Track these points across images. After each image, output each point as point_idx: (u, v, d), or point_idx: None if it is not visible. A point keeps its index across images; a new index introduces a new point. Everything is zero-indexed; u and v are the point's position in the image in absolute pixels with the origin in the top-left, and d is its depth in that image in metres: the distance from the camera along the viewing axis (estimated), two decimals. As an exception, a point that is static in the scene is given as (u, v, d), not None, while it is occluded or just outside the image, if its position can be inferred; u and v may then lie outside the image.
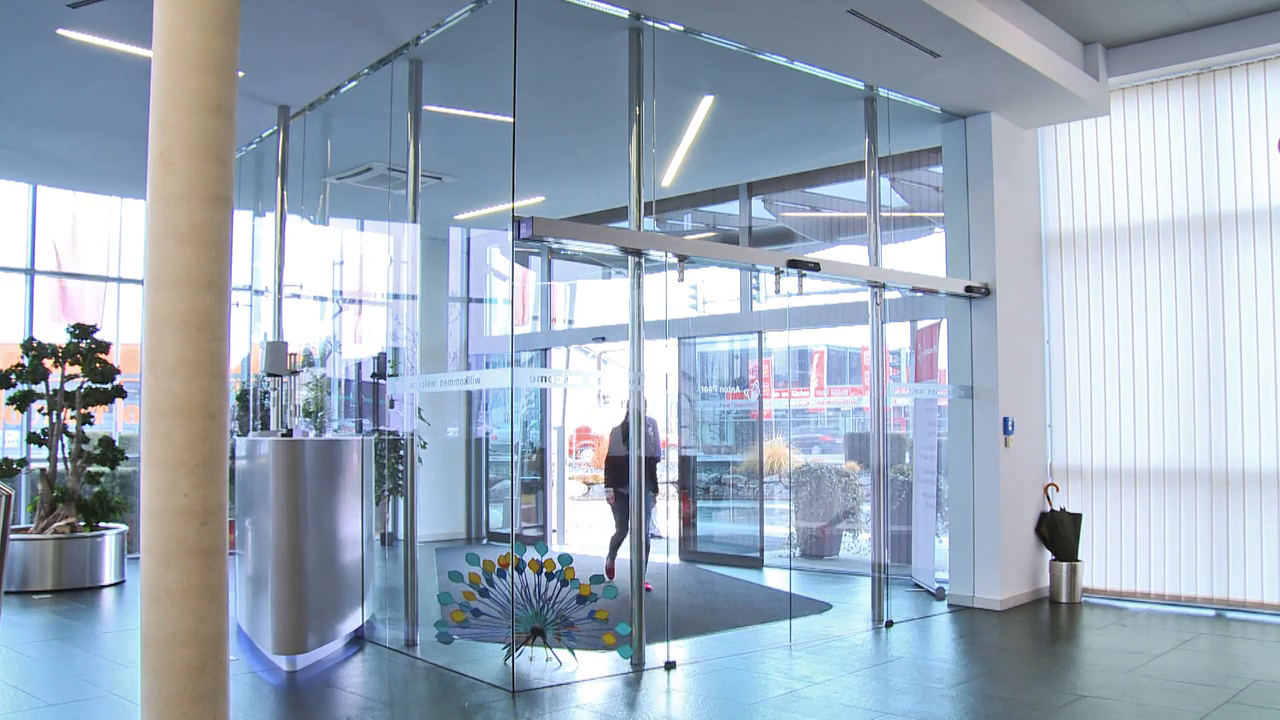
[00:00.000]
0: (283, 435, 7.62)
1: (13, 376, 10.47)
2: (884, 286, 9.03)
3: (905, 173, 11.17)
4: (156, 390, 3.93)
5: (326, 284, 10.99)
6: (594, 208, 12.70)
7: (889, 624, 8.61)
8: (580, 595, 7.13)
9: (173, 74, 4.21)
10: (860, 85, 8.78)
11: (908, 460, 11.09)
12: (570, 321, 14.64)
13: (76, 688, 6.84)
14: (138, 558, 11.15)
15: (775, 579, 11.34)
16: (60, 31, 7.37)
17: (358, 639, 7.97)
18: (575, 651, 7.17)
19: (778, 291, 8.24)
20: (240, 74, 4.34)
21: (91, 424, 10.84)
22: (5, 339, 12.38)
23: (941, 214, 10.10)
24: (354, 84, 8.46)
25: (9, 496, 3.45)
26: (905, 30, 7.44)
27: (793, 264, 8.17)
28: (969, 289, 9.26)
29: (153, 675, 4.22)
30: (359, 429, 9.58)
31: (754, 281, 12.34)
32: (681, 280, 7.50)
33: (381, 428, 9.31)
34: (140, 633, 4.28)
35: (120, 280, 13.13)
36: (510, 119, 6.98)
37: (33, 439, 10.71)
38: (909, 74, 8.40)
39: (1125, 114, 9.69)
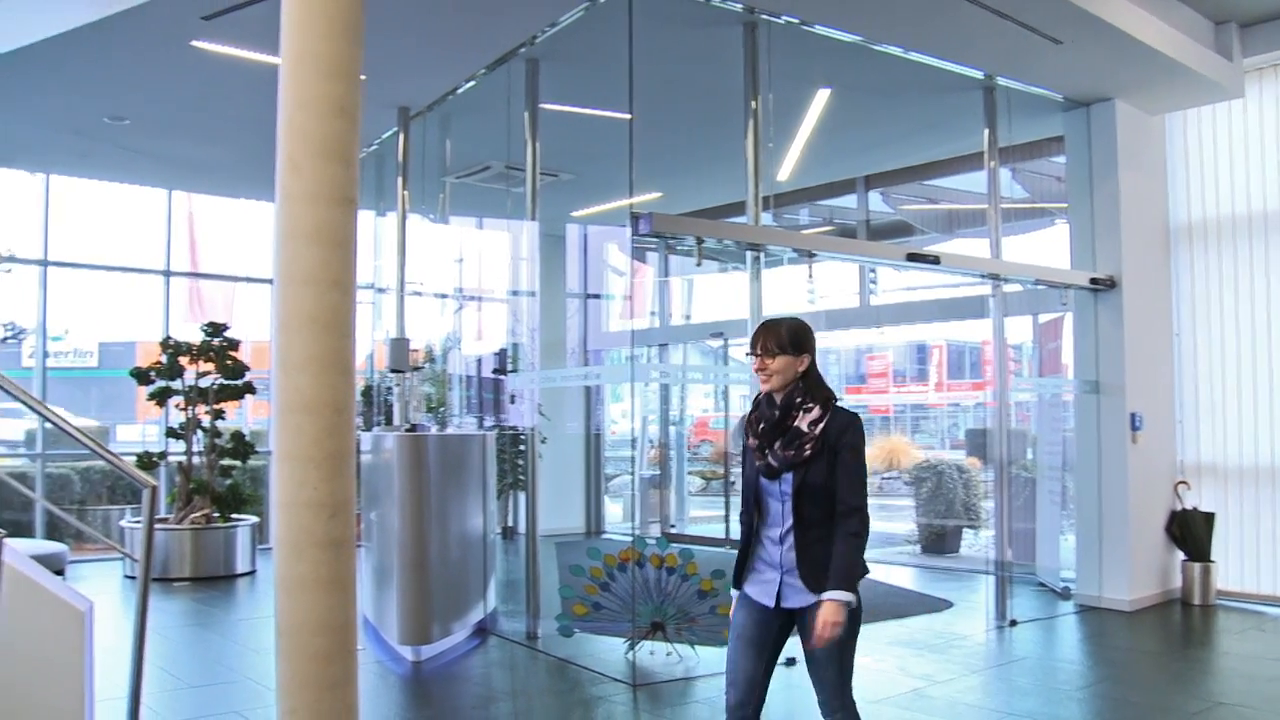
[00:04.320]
0: (407, 430, 7.78)
1: (152, 373, 10.86)
2: (1005, 280, 8.86)
3: (1026, 163, 10.93)
4: (286, 386, 4.04)
5: (447, 281, 11.19)
6: (710, 203, 12.69)
7: (1013, 623, 8.45)
8: (702, 590, 7.14)
9: (300, 79, 4.32)
10: (979, 74, 8.61)
11: (1030, 456, 10.85)
12: (688, 317, 14.65)
13: (214, 671, 7.09)
14: (268, 548, 11.49)
15: (895, 576, 11.20)
16: (194, 43, 7.63)
17: (480, 631, 8.10)
18: (696, 646, 7.18)
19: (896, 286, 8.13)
20: (363, 78, 4.44)
21: (224, 419, 11.20)
22: (146, 337, 12.87)
23: (1064, 205, 9.85)
24: (472, 84, 8.58)
25: (154, 489, 3.59)
26: (1025, 17, 7.28)
27: (912, 257, 8.07)
28: (1094, 281, 9.03)
29: (286, 662, 4.35)
30: (480, 424, 9.72)
31: (871, 275, 12.20)
32: (811, 278, 7.47)
33: (502, 423, 9.44)
34: (275, 621, 4.42)
35: (248, 280, 13.55)
36: (627, 116, 7.01)
37: (171, 433, 11.11)
38: (1029, 62, 8.22)
39: (1262, 96, 9.31)
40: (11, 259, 11.64)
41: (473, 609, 7.97)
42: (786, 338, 3.79)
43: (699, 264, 7.27)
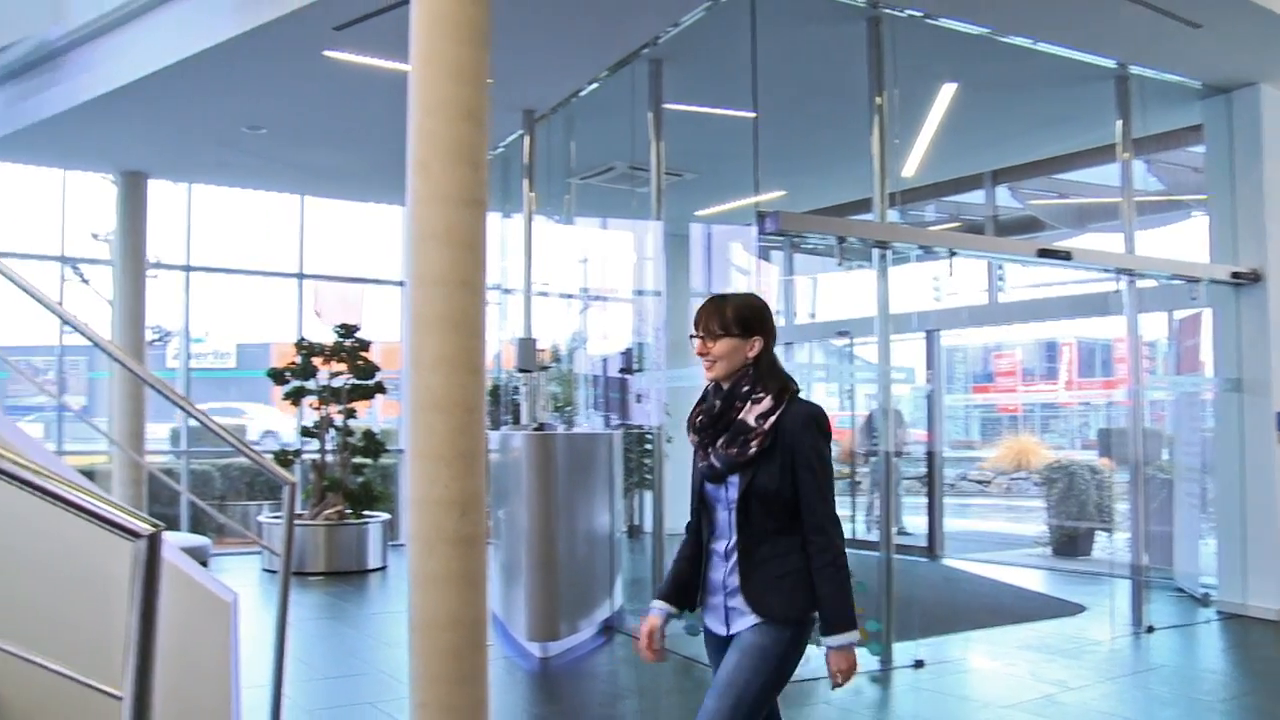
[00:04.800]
0: (535, 429, 7.87)
1: (287, 374, 11.20)
2: (1139, 275, 8.60)
3: (1161, 154, 10.59)
4: (418, 386, 4.14)
5: (572, 282, 11.29)
6: (835, 201, 12.58)
7: (1149, 629, 8.20)
8: (826, 590, 7.07)
9: (429, 84, 4.42)
10: (1111, 64, 8.38)
11: (1167, 457, 10.51)
12: (812, 315, 14.55)
13: (348, 663, 7.28)
14: (398, 545, 11.75)
15: (1026, 578, 10.96)
16: (326, 53, 7.85)
17: (607, 629, 8.16)
18: (822, 646, 7.12)
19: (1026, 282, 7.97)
20: (489, 81, 4.52)
21: (356, 418, 11.48)
22: (281, 339, 13.28)
23: (1202, 196, 9.52)
24: (595, 86, 8.65)
25: (293, 485, 3.71)
26: (1162, 1, 7.05)
27: (1043, 253, 7.89)
28: (1236, 275, 8.70)
29: (418, 656, 4.45)
30: (606, 423, 9.79)
31: (999, 272, 11.95)
32: (951, 275, 7.37)
33: (628, 422, 9.49)
34: (407, 616, 4.52)
35: (377, 282, 13.87)
36: (751, 114, 7.00)
37: (305, 432, 11.44)
38: (1165, 48, 7.96)
39: None
40: (158, 265, 12.13)
41: (599, 606, 8.04)
42: (732, 316, 3.22)
43: (841, 264, 7.21)
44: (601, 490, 8.06)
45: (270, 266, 13.30)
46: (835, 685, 3.08)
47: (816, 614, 3.12)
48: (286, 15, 7.15)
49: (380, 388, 11.53)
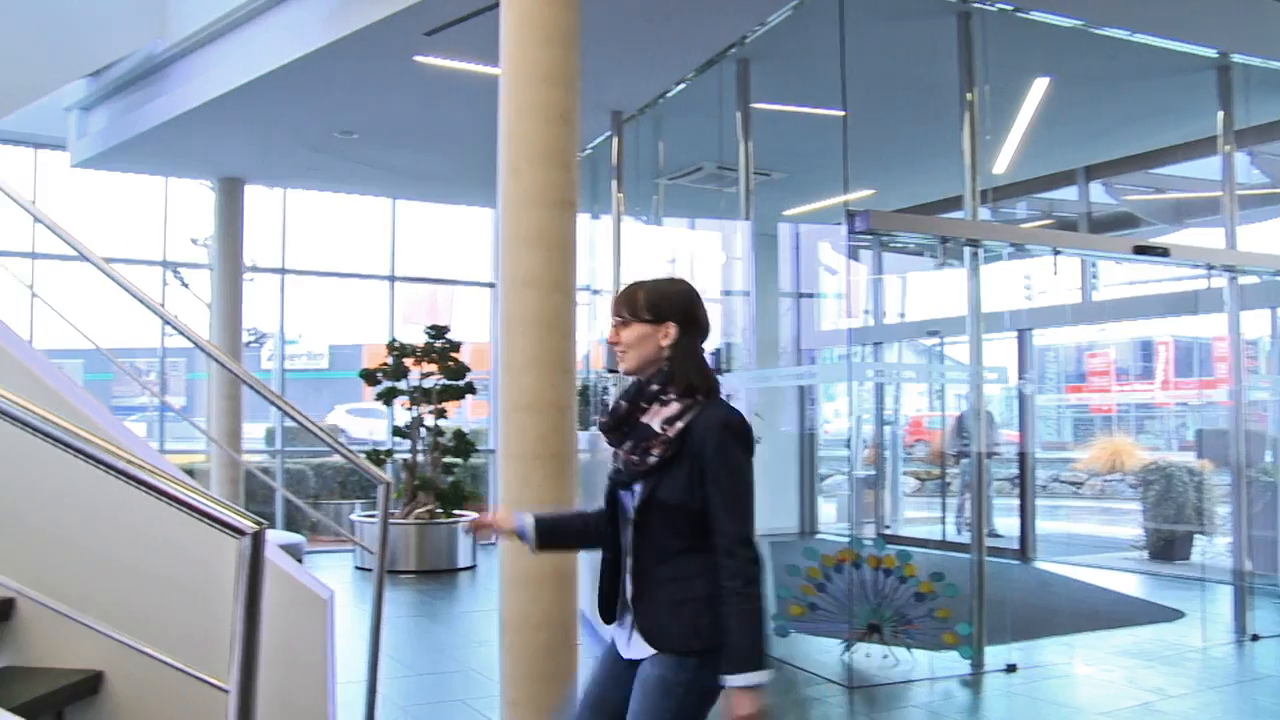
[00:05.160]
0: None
1: (379, 374, 11.37)
2: (1241, 271, 8.36)
3: (1266, 145, 10.28)
4: (510, 386, 4.18)
5: (660, 282, 11.28)
6: (924, 199, 12.44)
7: (1254, 638, 7.95)
8: (920, 593, 6.99)
9: (519, 87, 4.46)
10: (1212, 53, 8.15)
11: (1270, 459, 10.21)
12: (902, 315, 14.39)
13: (439, 660, 7.36)
14: (488, 544, 11.82)
15: (1121, 583, 10.72)
16: (416, 58, 7.95)
17: (695, 628, 8.12)
18: (913, 650, 7.05)
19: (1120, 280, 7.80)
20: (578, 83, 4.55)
21: (446, 418, 11.61)
22: (372, 340, 13.50)
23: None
24: (683, 86, 8.64)
25: (388, 485, 3.76)
26: (1265, -13, 6.85)
27: (1139, 250, 7.71)
28: (1344, 271, 8.42)
29: (510, 654, 4.49)
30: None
31: (1093, 270, 11.71)
32: (1056, 273, 7.24)
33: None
34: (499, 614, 4.57)
35: (466, 284, 14.02)
36: (841, 113, 6.94)
37: (397, 432, 11.60)
38: (1271, 35, 7.72)
39: None
40: (254, 269, 12.40)
41: (687, 607, 8.01)
42: (643, 300, 2.83)
43: (942, 263, 7.13)
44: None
45: (362, 269, 13.52)
46: None
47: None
48: (377, 22, 7.27)
49: (470, 388, 11.65)
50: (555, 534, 3.15)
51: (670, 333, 2.81)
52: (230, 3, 8.46)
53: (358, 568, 11.05)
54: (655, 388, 2.80)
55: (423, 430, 11.46)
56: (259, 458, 13.40)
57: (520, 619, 4.39)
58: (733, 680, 2.59)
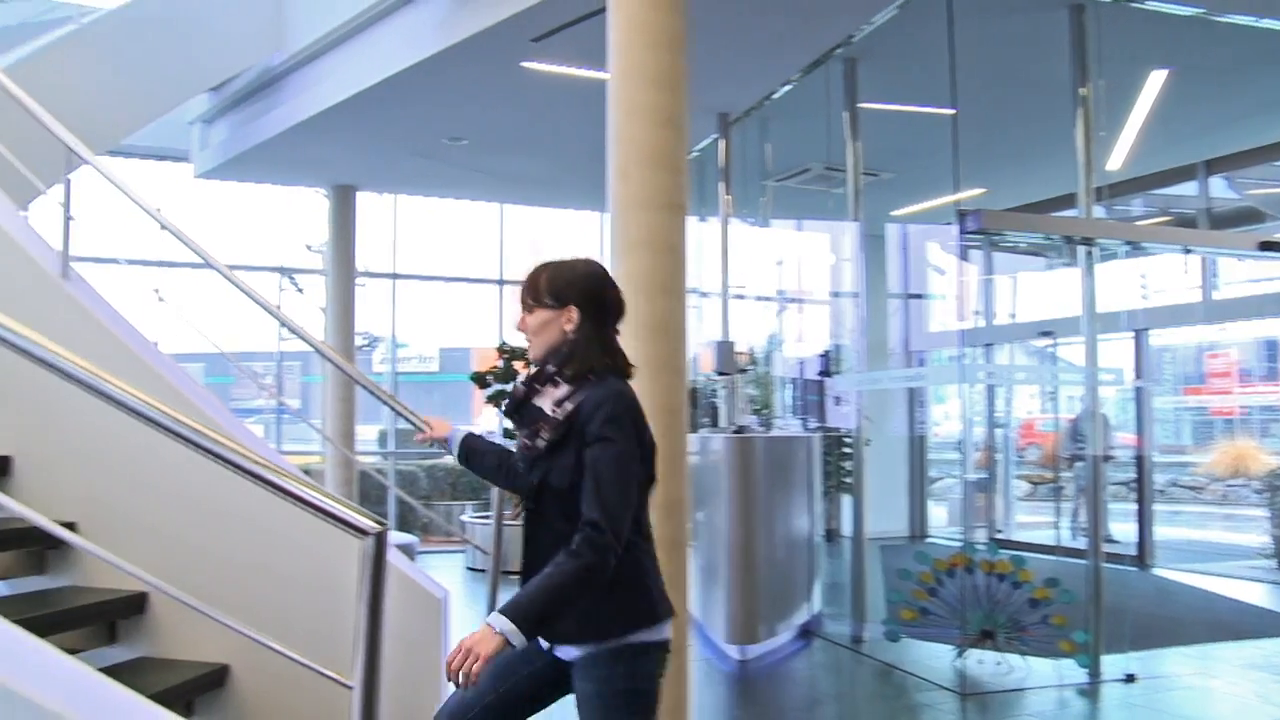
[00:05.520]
0: (734, 432, 7.88)
1: (489, 378, 11.50)
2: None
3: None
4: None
5: (768, 284, 11.24)
6: (1036, 197, 12.19)
7: (1393, 650, 7.63)
8: (1034, 599, 6.85)
9: (627, 91, 4.48)
10: (1345, 39, 7.84)
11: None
12: (1013, 316, 14.12)
13: (549, 664, 7.40)
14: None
15: (1247, 592, 10.35)
16: (523, 64, 8.04)
17: (805, 633, 8.09)
18: (1027, 657, 6.91)
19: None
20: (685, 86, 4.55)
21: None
22: (481, 343, 13.67)
23: None
24: (789, 87, 8.60)
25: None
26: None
27: (1265, 245, 7.46)
28: None
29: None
30: (805, 426, 9.72)
31: (1213, 267, 11.34)
32: (1187, 271, 7.05)
33: (826, 425, 9.40)
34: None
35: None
36: (950, 111, 6.84)
37: (507, 434, 11.72)
38: (1406, 21, 7.40)
39: None
40: (366, 274, 12.66)
41: (798, 610, 7.98)
42: (545, 285, 2.76)
43: (1054, 264, 7.00)
44: (800, 493, 8.01)
45: (471, 273, 13.72)
46: (450, 666, 2.38)
47: (644, 635, 2.65)
48: (486, 29, 7.37)
49: (579, 391, 11.72)
50: (476, 455, 3.10)
51: (573, 317, 2.72)
52: (343, 15, 8.66)
53: (468, 568, 11.19)
54: (552, 369, 2.73)
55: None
56: (371, 459, 13.66)
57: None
58: (493, 618, 2.43)
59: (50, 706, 1.73)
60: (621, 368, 2.77)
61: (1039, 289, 13.82)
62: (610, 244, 4.35)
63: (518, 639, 2.41)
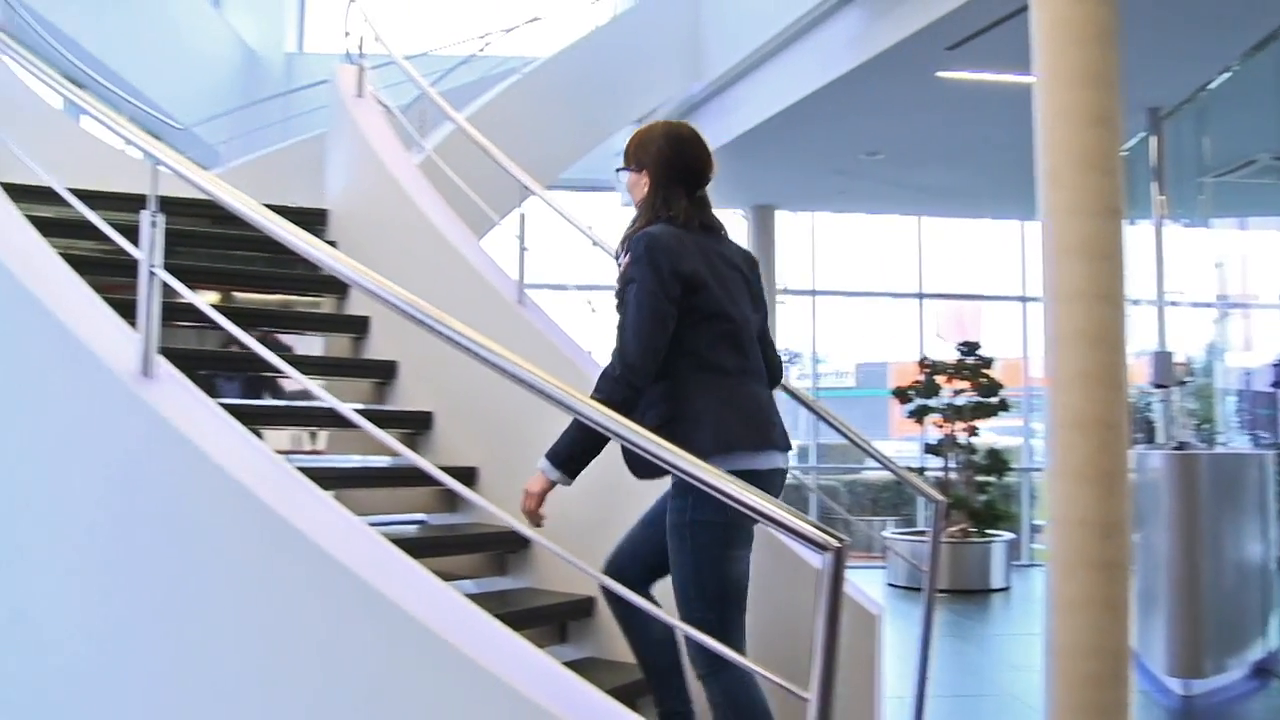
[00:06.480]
0: (1174, 449, 7.37)
1: (911, 392, 11.38)
2: None
3: None
4: (1056, 403, 4.04)
5: (1207, 289, 10.42)
6: None
7: None
8: None
9: (1055, 91, 4.32)
10: None
11: None
12: None
13: (972, 683, 7.22)
14: (1022, 565, 11.46)
15: None
16: (939, 74, 7.92)
17: (1261, 671, 7.39)
18: None
19: None
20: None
21: (978, 435, 11.39)
22: (898, 358, 13.58)
23: None
24: (1228, 75, 7.95)
25: (942, 504, 3.77)
26: None
27: None
28: None
29: (1055, 683, 4.32)
30: (1255, 442, 8.93)
31: None
32: None
33: (1280, 441, 8.62)
34: (1044, 640, 4.41)
35: (995, 298, 13.74)
36: None
37: (929, 450, 11.55)
38: None
39: None
40: (786, 291, 12.92)
41: (1251, 645, 7.31)
42: (630, 150, 2.98)
43: None
44: (1251, 516, 7.34)
45: (890, 288, 13.67)
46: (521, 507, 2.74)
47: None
48: (900, 42, 7.34)
49: (1003, 405, 11.36)
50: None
51: (646, 180, 2.92)
52: (756, 41, 8.92)
53: (889, 584, 11.10)
54: (625, 233, 2.91)
55: (955, 448, 11.31)
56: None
57: (1069, 645, 4.21)
58: (540, 462, 2.73)
59: (532, 698, 1.92)
60: (676, 217, 2.88)
61: None
62: (1041, 252, 4.20)
63: (555, 475, 2.71)
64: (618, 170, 3.06)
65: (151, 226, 2.56)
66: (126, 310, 2.74)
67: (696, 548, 2.72)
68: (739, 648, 2.69)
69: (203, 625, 2.45)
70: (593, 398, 2.52)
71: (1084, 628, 4.18)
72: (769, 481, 2.79)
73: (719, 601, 2.74)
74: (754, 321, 2.98)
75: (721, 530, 2.71)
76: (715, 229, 2.99)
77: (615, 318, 2.83)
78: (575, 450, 2.73)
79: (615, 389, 2.67)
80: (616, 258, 2.95)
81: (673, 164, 2.93)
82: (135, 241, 2.63)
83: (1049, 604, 4.30)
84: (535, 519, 2.76)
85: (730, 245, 3.02)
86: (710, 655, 2.50)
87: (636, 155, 2.97)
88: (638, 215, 2.95)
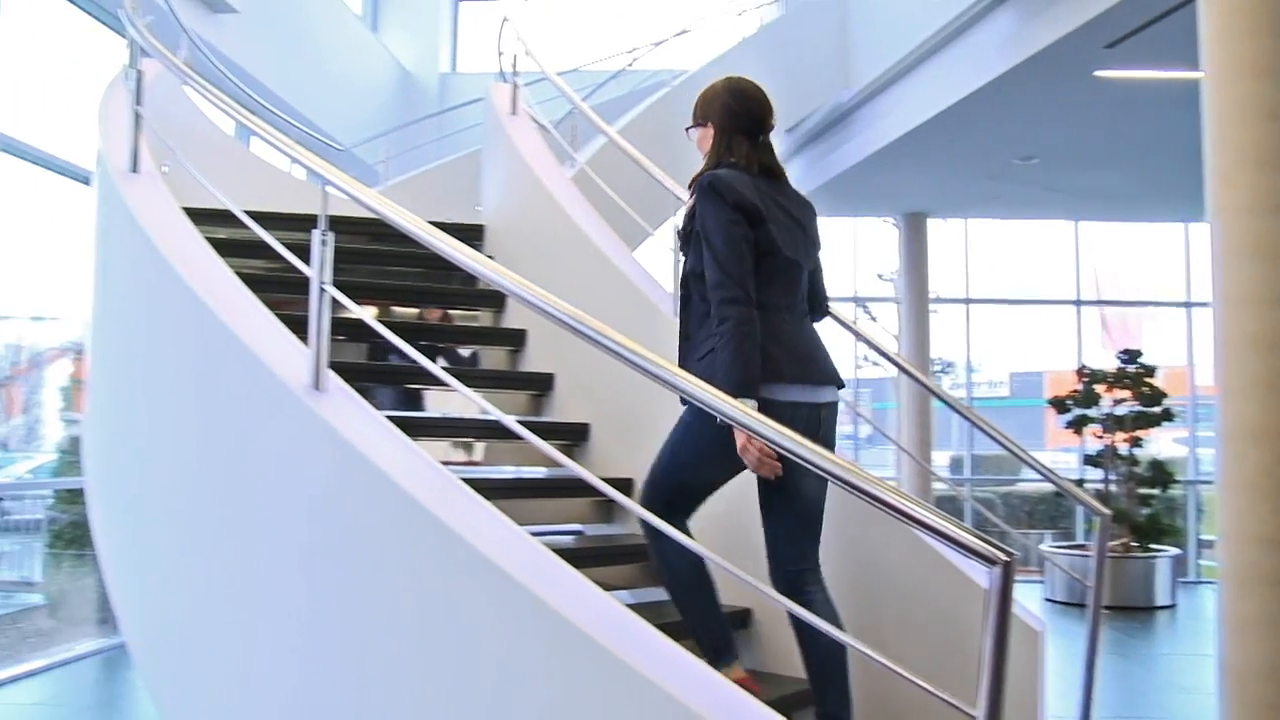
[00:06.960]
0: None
1: (1069, 402, 11.07)
2: None
3: None
4: (1228, 411, 3.88)
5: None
6: None
7: None
8: None
9: (1226, 85, 4.17)
10: None
11: None
12: None
13: (1138, 704, 6.96)
14: (1189, 582, 11.01)
15: None
16: (1097, 73, 7.69)
17: None
18: None
19: None
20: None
21: (1141, 446, 11.00)
22: (1053, 367, 13.22)
23: None
24: None
25: (1107, 517, 3.65)
26: None
27: None
28: None
29: (1229, 704, 4.16)
30: None
31: None
32: None
33: None
34: (1216, 661, 4.23)
35: (1157, 304, 13.31)
36: None
37: (1088, 461, 11.19)
38: None
39: None
40: (938, 299, 12.71)
41: None
42: (697, 105, 3.18)
43: None
44: None
45: (1046, 294, 13.32)
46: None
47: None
48: (1056, 42, 7.15)
49: (1167, 415, 10.95)
50: None
51: (710, 133, 3.13)
52: (906, 46, 8.81)
53: (1046, 599, 10.79)
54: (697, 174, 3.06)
55: (1116, 459, 10.95)
56: (940, 485, 13.63)
57: (1243, 667, 4.03)
58: (729, 411, 2.59)
59: (701, 713, 1.92)
60: (739, 162, 3.04)
61: None
62: (1210, 254, 4.04)
63: (750, 402, 2.69)
64: (687, 129, 3.25)
65: (322, 245, 2.65)
66: (291, 325, 2.84)
67: (690, 445, 2.98)
68: (680, 524, 2.97)
69: (384, 630, 2.49)
70: (726, 326, 2.76)
71: (1260, 649, 4.00)
72: (811, 414, 2.94)
73: (681, 485, 3.03)
74: (805, 265, 3.10)
75: (721, 449, 2.85)
76: (777, 174, 3.14)
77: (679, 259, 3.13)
78: (741, 371, 2.78)
79: (739, 306, 2.80)
80: (690, 189, 3.12)
81: (736, 113, 3.11)
82: (305, 259, 2.72)
83: (1221, 623, 4.13)
84: (770, 457, 2.78)
85: (790, 191, 3.17)
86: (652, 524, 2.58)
87: (703, 111, 3.16)
88: (705, 165, 3.11)
